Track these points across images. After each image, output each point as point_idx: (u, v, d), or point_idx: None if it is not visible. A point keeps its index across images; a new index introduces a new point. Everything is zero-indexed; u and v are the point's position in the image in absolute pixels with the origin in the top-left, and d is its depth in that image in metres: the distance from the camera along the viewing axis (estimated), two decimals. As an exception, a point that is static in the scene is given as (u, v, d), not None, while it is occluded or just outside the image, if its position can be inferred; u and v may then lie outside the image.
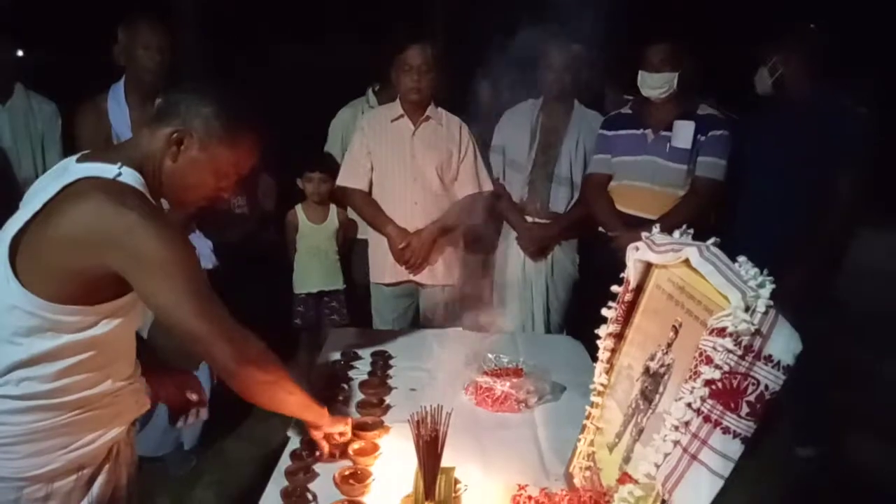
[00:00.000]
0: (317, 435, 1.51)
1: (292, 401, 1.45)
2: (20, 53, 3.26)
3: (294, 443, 1.58)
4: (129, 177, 1.24)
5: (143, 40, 2.44)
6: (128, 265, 1.18)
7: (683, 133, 2.63)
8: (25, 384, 1.21)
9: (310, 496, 1.38)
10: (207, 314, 1.24)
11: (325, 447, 1.51)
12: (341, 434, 1.52)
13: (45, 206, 1.20)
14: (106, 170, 1.22)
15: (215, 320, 1.25)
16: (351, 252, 3.34)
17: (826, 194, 2.56)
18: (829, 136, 2.53)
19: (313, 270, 3.22)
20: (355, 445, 1.54)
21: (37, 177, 2.92)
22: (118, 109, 2.54)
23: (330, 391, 1.81)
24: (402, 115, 2.70)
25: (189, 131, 1.29)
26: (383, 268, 2.76)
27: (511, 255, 2.96)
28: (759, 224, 2.63)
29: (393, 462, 1.49)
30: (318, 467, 1.49)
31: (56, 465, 1.26)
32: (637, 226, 2.42)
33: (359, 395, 1.83)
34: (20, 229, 1.20)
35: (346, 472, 1.43)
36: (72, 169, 1.24)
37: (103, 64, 2.55)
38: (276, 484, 1.42)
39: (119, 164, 1.24)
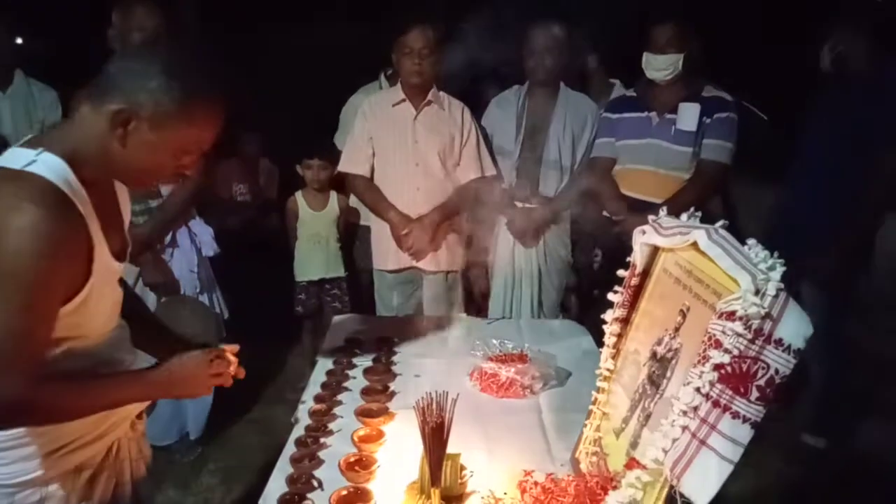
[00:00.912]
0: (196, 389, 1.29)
1: (106, 405, 1.21)
2: (19, 41, 3.21)
3: (299, 430, 1.58)
4: (44, 166, 1.06)
5: (137, 23, 2.40)
6: None
7: (688, 115, 2.59)
8: None
9: (315, 483, 1.38)
10: (15, 335, 1.03)
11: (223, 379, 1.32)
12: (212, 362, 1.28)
13: None
14: (20, 157, 1.07)
15: (21, 345, 1.04)
16: (353, 239, 3.32)
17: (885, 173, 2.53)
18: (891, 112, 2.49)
19: (314, 258, 3.20)
20: (360, 432, 1.53)
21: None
22: None
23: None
24: (403, 100, 2.67)
25: (135, 110, 1.09)
26: (386, 254, 2.74)
27: (501, 241, 2.94)
28: (815, 204, 2.61)
29: (398, 449, 1.49)
30: (323, 454, 1.48)
31: (49, 470, 1.18)
32: (642, 209, 2.40)
33: (363, 382, 1.82)
34: None
35: (352, 459, 1.43)
36: (2, 156, 1.11)
37: (102, 49, 2.52)
38: (282, 471, 1.42)
39: (40, 150, 1.08)
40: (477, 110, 2.88)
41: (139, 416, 1.40)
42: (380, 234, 2.76)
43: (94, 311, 1.18)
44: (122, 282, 1.33)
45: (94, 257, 1.13)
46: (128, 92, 1.09)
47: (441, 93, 2.70)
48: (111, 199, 1.25)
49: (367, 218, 2.96)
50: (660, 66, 2.59)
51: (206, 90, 1.15)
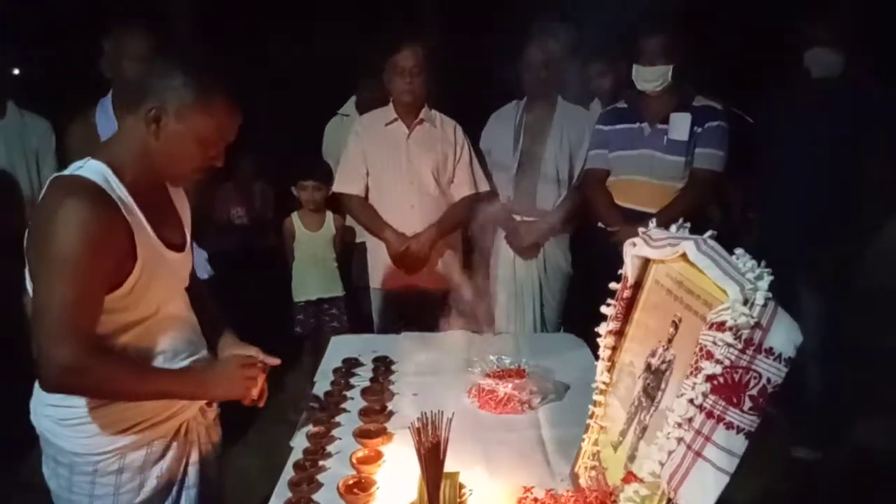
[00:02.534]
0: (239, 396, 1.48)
1: (148, 394, 1.36)
2: (13, 71, 3.22)
3: (297, 453, 1.57)
4: (90, 169, 1.27)
5: (129, 51, 2.42)
6: (34, 248, 1.23)
7: (680, 125, 2.61)
8: None
9: (314, 507, 1.37)
10: (67, 308, 1.19)
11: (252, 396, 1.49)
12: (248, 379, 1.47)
13: (35, 208, 1.31)
14: (73, 166, 1.29)
15: (72, 317, 1.20)
16: (350, 257, 3.33)
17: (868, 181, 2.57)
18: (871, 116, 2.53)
19: (312, 278, 3.21)
20: (359, 454, 1.52)
21: (33, 194, 2.94)
22: (107, 122, 2.52)
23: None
24: (396, 119, 2.69)
25: (163, 106, 1.29)
26: (383, 272, 2.75)
27: (502, 255, 2.94)
28: (796, 207, 2.63)
29: (397, 469, 1.47)
30: (321, 477, 1.47)
31: (125, 442, 1.36)
32: (637, 220, 2.41)
33: (361, 403, 1.82)
34: (26, 235, 1.28)
35: (351, 482, 1.42)
36: None
37: (94, 77, 2.55)
38: (280, 497, 1.41)
39: (87, 159, 1.29)
40: (476, 126, 2.91)
41: (209, 404, 1.55)
42: (376, 252, 2.76)
43: (149, 294, 1.35)
44: (192, 275, 1.53)
45: (138, 245, 1.30)
46: (155, 92, 1.29)
47: (433, 111, 2.72)
48: (162, 198, 1.45)
49: (363, 234, 2.97)
50: (650, 78, 2.61)
51: (218, 83, 1.33)
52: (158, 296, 1.39)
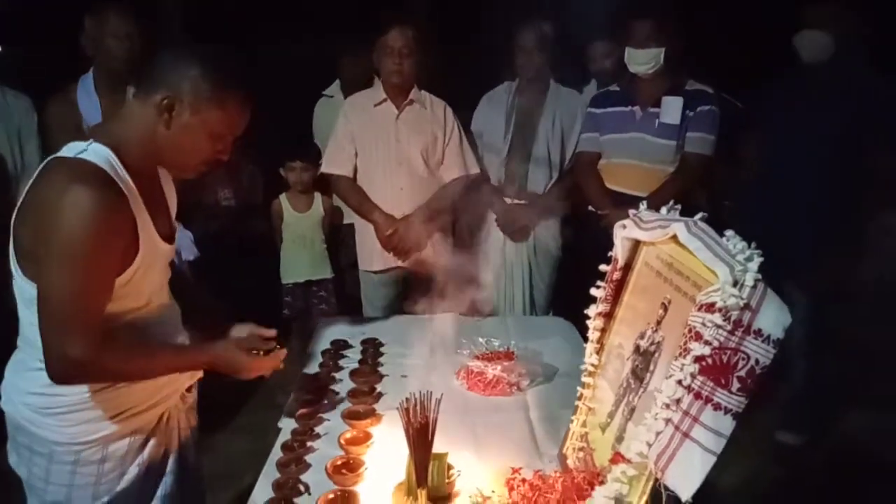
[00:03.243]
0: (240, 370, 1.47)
1: (159, 373, 1.39)
2: None
3: (286, 434, 1.57)
4: (95, 153, 1.22)
5: (110, 29, 2.38)
6: (39, 238, 1.19)
7: (672, 109, 2.60)
8: None
9: (301, 487, 1.37)
10: (76, 300, 1.19)
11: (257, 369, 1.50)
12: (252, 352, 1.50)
13: (27, 189, 1.25)
14: (73, 148, 1.24)
15: (81, 309, 1.20)
16: (339, 239, 3.31)
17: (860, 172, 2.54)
18: (865, 111, 2.49)
19: (300, 260, 3.18)
20: (347, 435, 1.52)
21: (16, 172, 2.88)
22: (88, 100, 2.49)
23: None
24: (385, 100, 2.65)
25: (178, 96, 1.26)
26: (371, 255, 2.73)
27: (492, 238, 2.93)
28: (781, 195, 2.62)
29: (385, 450, 1.48)
30: (310, 458, 1.47)
31: (108, 432, 1.34)
32: (627, 203, 2.37)
33: (350, 384, 1.81)
34: (15, 214, 1.25)
35: (339, 462, 1.42)
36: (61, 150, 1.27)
37: (76, 55, 2.50)
38: (268, 476, 1.41)
39: (90, 140, 1.24)
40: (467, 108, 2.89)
41: (188, 390, 1.54)
42: (364, 234, 2.75)
43: (143, 285, 1.34)
44: (172, 264, 1.49)
45: (140, 234, 1.29)
46: (171, 82, 1.26)
47: (423, 92, 2.69)
48: (156, 187, 1.41)
49: (351, 216, 2.95)
50: (641, 61, 2.59)
51: (236, 78, 1.32)
52: (151, 287, 1.38)
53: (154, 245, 1.34)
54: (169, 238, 1.41)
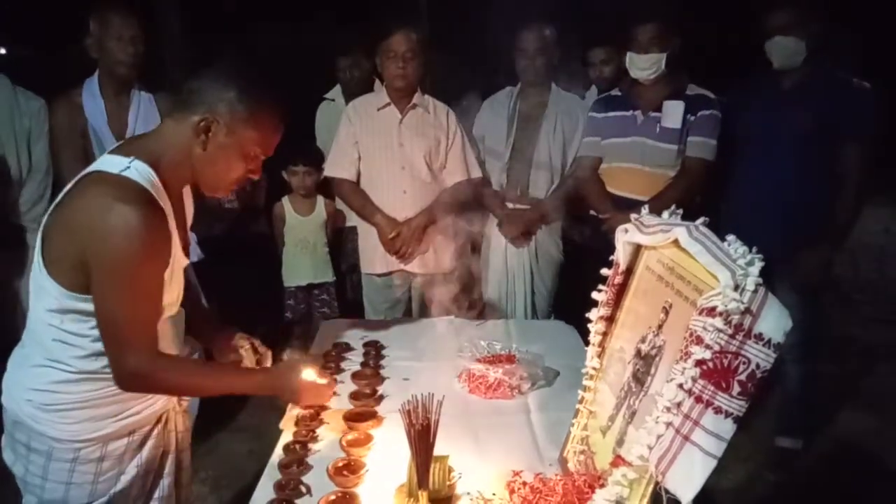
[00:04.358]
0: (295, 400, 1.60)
1: (215, 392, 1.55)
2: (2, 51, 3.12)
3: (287, 436, 1.57)
4: (137, 172, 1.26)
5: (115, 32, 2.40)
6: (91, 259, 1.23)
7: (673, 113, 2.61)
8: (72, 360, 1.31)
9: (303, 488, 1.37)
10: (131, 317, 1.26)
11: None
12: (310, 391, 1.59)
13: (63, 196, 1.29)
14: (116, 164, 1.26)
15: (137, 325, 1.28)
16: (341, 242, 3.32)
17: (836, 172, 2.53)
18: (839, 112, 2.49)
19: (302, 263, 3.19)
20: (349, 437, 1.53)
21: (21, 175, 2.89)
22: (93, 103, 2.51)
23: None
24: (388, 104, 2.67)
25: (215, 117, 1.30)
26: (373, 258, 2.74)
27: (493, 242, 2.94)
28: (762, 201, 2.60)
29: (387, 452, 1.48)
30: (311, 459, 1.48)
31: (108, 430, 1.36)
32: (628, 208, 2.40)
33: (351, 386, 1.82)
34: (48, 217, 1.30)
35: (340, 464, 1.42)
36: (98, 161, 1.32)
37: (80, 57, 2.51)
38: (270, 477, 1.41)
39: (132, 158, 1.27)
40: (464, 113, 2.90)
41: None
42: (367, 237, 2.76)
43: (166, 297, 1.37)
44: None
45: (172, 249, 1.34)
46: (209, 103, 1.30)
47: (426, 96, 2.71)
48: (180, 202, 1.44)
49: (353, 219, 2.96)
50: (643, 66, 2.60)
51: (271, 100, 1.37)
52: (170, 298, 1.41)
53: (178, 258, 1.39)
54: (185, 250, 1.45)
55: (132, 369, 1.28)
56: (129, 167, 1.26)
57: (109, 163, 1.28)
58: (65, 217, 1.26)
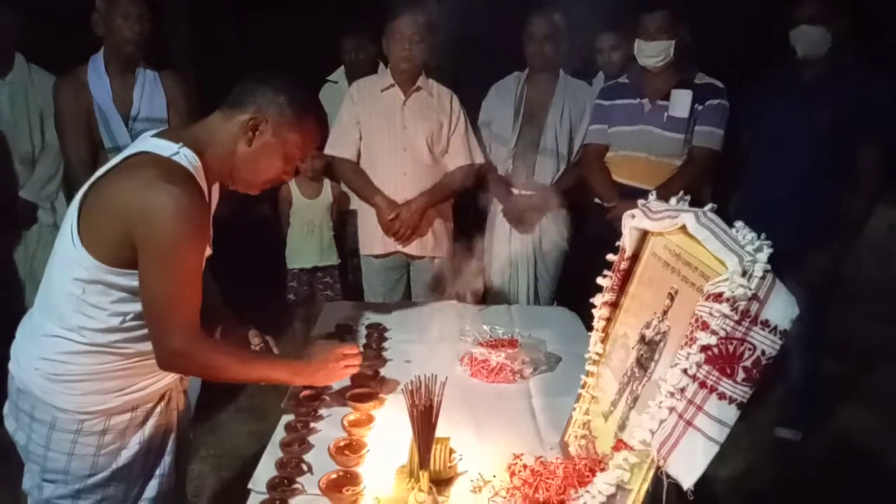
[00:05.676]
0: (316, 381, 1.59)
1: (251, 378, 1.53)
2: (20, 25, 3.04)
3: (289, 415, 1.58)
4: (185, 158, 1.31)
5: (121, 10, 2.38)
6: (139, 238, 1.27)
7: (681, 102, 2.59)
8: (85, 332, 1.33)
9: (304, 467, 1.38)
10: (178, 297, 1.31)
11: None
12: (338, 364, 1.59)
13: (106, 172, 1.34)
14: (166, 147, 1.32)
15: (182, 305, 1.32)
16: (345, 226, 3.31)
17: (851, 170, 2.52)
18: (860, 110, 2.47)
19: (308, 246, 3.19)
20: (350, 417, 1.53)
21: (33, 152, 2.89)
22: (98, 81, 2.49)
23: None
24: (392, 85, 2.65)
25: (265, 118, 1.38)
26: (372, 239, 2.74)
27: (497, 228, 2.93)
28: (776, 195, 2.59)
29: (388, 433, 1.49)
30: (313, 438, 1.48)
31: (113, 404, 1.38)
32: (634, 196, 2.37)
33: (353, 368, 1.82)
34: (87, 191, 1.34)
35: (341, 443, 1.43)
36: (141, 142, 1.36)
37: (87, 34, 2.50)
38: (271, 455, 1.42)
39: (180, 143, 1.32)
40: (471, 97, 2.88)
41: None
42: (366, 218, 2.75)
43: None
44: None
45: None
46: (260, 104, 1.39)
47: (430, 80, 2.69)
48: (210, 194, 1.47)
49: (355, 202, 2.95)
50: (651, 53, 2.58)
51: (315, 108, 1.49)
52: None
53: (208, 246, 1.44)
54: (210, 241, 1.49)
55: (176, 348, 1.31)
56: (178, 152, 1.31)
57: (158, 146, 1.32)
58: (112, 193, 1.29)
